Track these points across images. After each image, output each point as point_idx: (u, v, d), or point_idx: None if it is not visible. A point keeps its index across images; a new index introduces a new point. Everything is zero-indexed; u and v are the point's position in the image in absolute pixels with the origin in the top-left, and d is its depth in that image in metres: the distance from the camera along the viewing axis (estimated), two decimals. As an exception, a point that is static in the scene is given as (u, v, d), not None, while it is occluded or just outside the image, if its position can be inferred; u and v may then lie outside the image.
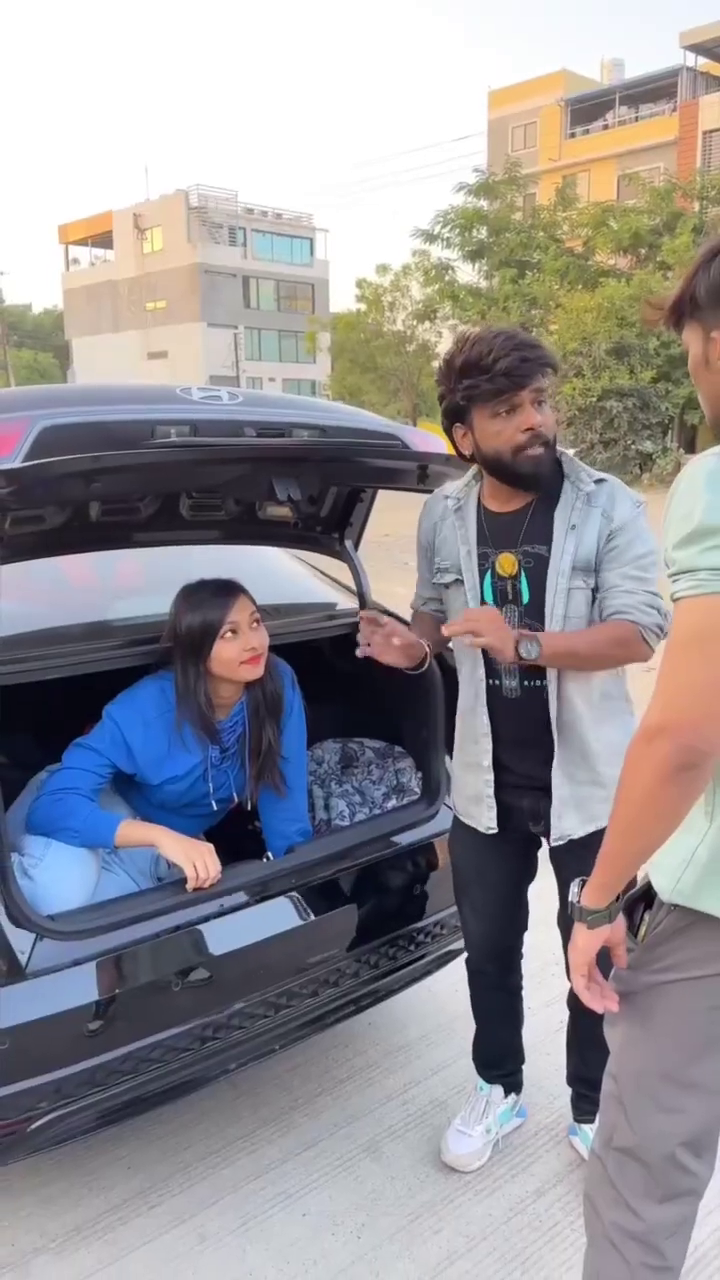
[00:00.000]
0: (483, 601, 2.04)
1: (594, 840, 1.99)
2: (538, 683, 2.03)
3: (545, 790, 2.08)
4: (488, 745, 2.10)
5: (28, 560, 2.34)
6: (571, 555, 1.97)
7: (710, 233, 20.66)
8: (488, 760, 2.11)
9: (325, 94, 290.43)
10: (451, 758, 2.30)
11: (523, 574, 2.01)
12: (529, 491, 2.02)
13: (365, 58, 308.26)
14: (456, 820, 2.26)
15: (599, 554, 1.97)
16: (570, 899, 1.43)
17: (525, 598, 2.01)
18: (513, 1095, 2.46)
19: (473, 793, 2.16)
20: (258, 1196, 2.27)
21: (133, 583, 2.99)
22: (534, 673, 2.03)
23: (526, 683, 2.04)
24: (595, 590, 1.99)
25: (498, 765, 2.11)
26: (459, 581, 2.07)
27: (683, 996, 1.37)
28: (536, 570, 2.00)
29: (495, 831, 2.13)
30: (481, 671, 2.07)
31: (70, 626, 2.58)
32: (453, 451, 2.15)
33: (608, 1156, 1.48)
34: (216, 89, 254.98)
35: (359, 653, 2.11)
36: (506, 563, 2.02)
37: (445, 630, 1.93)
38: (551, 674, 2.01)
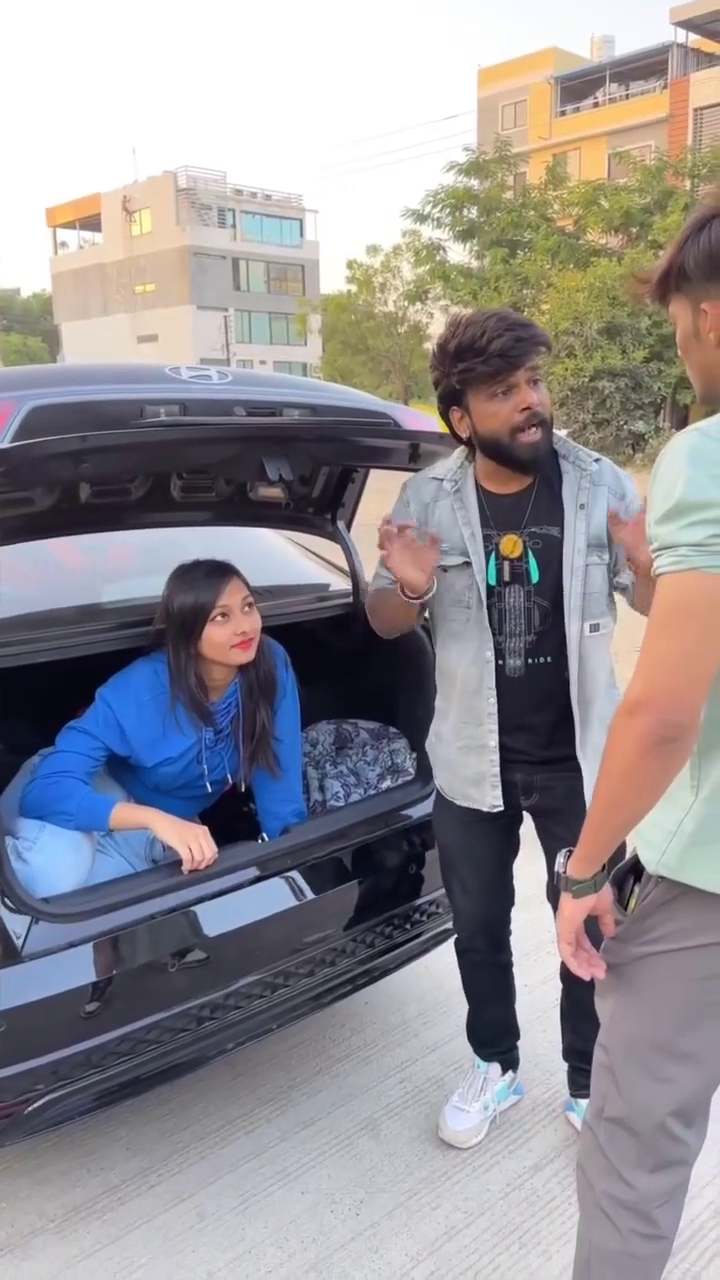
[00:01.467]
0: (488, 584, 2.03)
1: (575, 811, 2.01)
2: (545, 660, 2.04)
3: (537, 764, 2.10)
4: (493, 726, 2.08)
5: (18, 543, 2.33)
6: (585, 534, 1.99)
7: (702, 210, 20.49)
8: (494, 741, 2.09)
9: (314, 73, 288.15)
10: (430, 737, 2.27)
11: (529, 554, 2.01)
12: (527, 474, 2.01)
13: (354, 36, 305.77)
14: (440, 800, 2.26)
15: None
16: (556, 869, 1.44)
17: (534, 577, 2.02)
18: (510, 1072, 2.47)
19: (474, 774, 2.13)
20: (257, 1175, 2.28)
21: (124, 565, 2.97)
22: (540, 651, 2.03)
23: (531, 660, 2.04)
24: (614, 564, 2.03)
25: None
26: (465, 564, 2.04)
27: (671, 967, 1.38)
28: (546, 550, 2.01)
29: (500, 809, 2.12)
30: (489, 653, 2.04)
31: (62, 609, 2.57)
32: (445, 431, 2.14)
33: (599, 1127, 1.50)
34: (204, 69, 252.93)
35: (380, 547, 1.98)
36: (511, 544, 2.02)
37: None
38: (573, 650, 2.01)
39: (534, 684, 2.05)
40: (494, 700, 2.07)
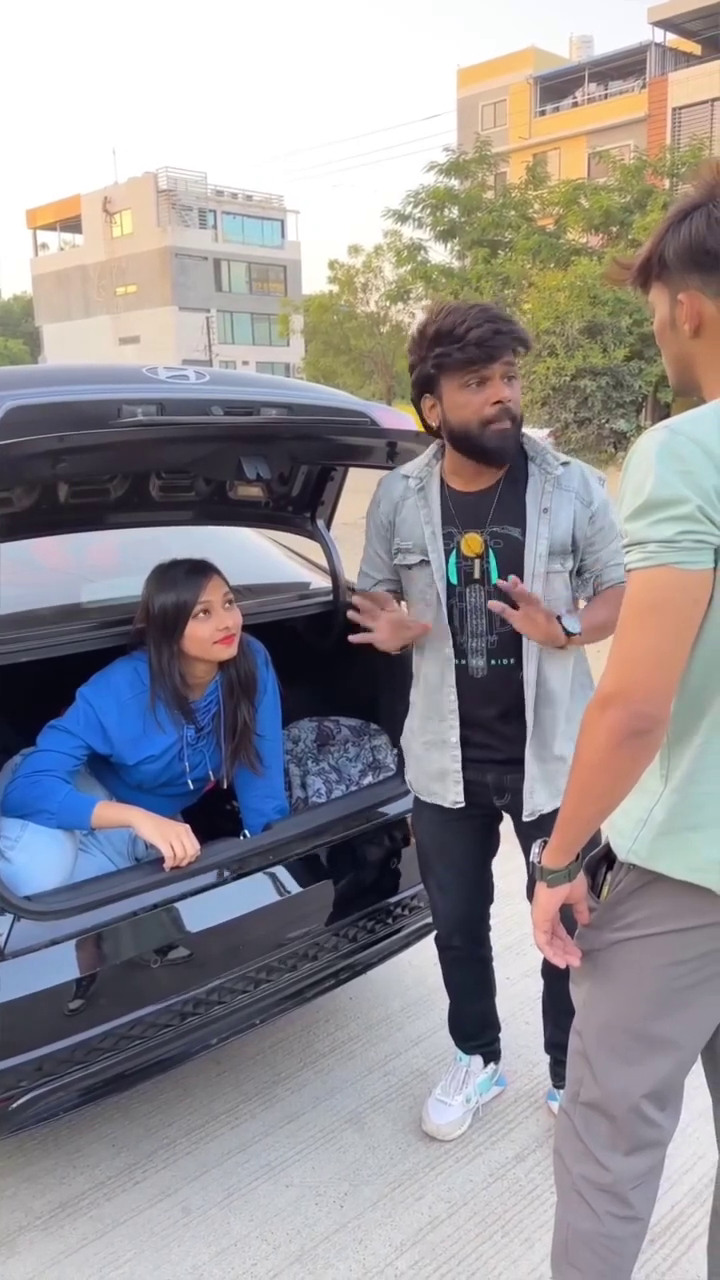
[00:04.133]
0: (448, 583, 2.04)
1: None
2: (507, 662, 2.05)
3: (507, 764, 2.11)
4: (454, 722, 2.10)
5: (-3, 543, 2.34)
6: (547, 539, 1.99)
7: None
8: (455, 736, 2.11)
9: (294, 73, 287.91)
10: (404, 735, 2.29)
11: (491, 554, 2.02)
12: (494, 466, 2.02)
13: (333, 36, 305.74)
14: (418, 799, 2.27)
15: (581, 536, 2.02)
16: (531, 859, 1.47)
17: (494, 578, 2.02)
18: (492, 1064, 2.49)
19: (437, 769, 2.16)
20: (241, 1169, 2.30)
21: (104, 564, 2.98)
22: (502, 653, 2.05)
23: (494, 662, 2.06)
24: (578, 571, 2.05)
25: (462, 742, 2.12)
26: (424, 562, 2.05)
27: (642, 953, 1.40)
28: (507, 551, 2.01)
29: (462, 806, 2.14)
30: (449, 650, 2.07)
31: (42, 609, 2.57)
32: (420, 427, 2.16)
33: (575, 1111, 1.52)
34: (184, 69, 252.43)
35: (353, 638, 2.09)
36: (472, 543, 2.02)
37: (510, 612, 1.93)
38: (528, 654, 2.03)
39: (496, 686, 2.07)
40: (454, 698, 2.09)
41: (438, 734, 2.13)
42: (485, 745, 2.11)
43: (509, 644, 2.04)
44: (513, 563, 2.01)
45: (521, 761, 2.10)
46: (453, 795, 2.15)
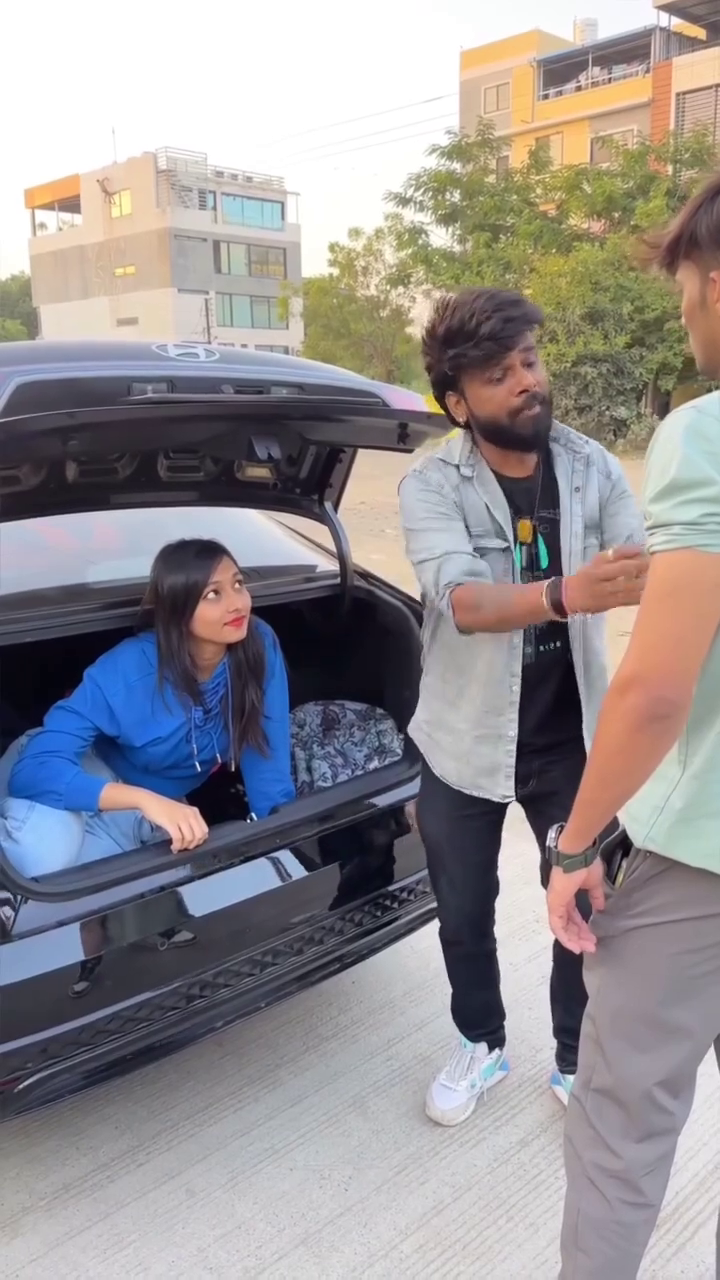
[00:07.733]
0: (517, 569, 2.00)
1: (571, 792, 2.02)
2: (554, 646, 2.03)
3: (545, 750, 2.10)
4: (513, 715, 2.04)
5: (4, 522, 2.32)
6: (582, 517, 1.99)
7: (684, 196, 20.56)
8: (513, 730, 2.05)
9: (295, 54, 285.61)
10: (422, 725, 2.25)
11: (539, 539, 2.00)
12: (530, 452, 1.99)
13: (336, 16, 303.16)
14: (429, 793, 2.24)
15: (604, 510, 2.02)
16: (548, 844, 1.45)
17: (544, 562, 1.99)
18: (496, 1050, 2.48)
19: (487, 764, 2.09)
20: (245, 1152, 2.29)
21: (112, 545, 2.96)
22: (551, 637, 2.02)
23: (542, 648, 2.03)
24: (600, 545, 2.02)
25: None
26: (505, 549, 1.99)
27: (657, 940, 1.39)
28: (551, 535, 2.00)
29: (510, 800, 2.12)
30: (519, 638, 2.00)
31: (49, 589, 2.55)
32: (434, 410, 2.13)
33: (586, 1097, 1.51)
34: (185, 50, 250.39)
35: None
36: (525, 529, 2.00)
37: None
38: (576, 634, 2.01)
39: (541, 671, 2.04)
40: (518, 688, 2.03)
41: (495, 728, 2.06)
42: (523, 739, 2.07)
43: (556, 627, 2.00)
44: (555, 544, 2.00)
45: (553, 747, 2.08)
46: (502, 790, 2.10)
